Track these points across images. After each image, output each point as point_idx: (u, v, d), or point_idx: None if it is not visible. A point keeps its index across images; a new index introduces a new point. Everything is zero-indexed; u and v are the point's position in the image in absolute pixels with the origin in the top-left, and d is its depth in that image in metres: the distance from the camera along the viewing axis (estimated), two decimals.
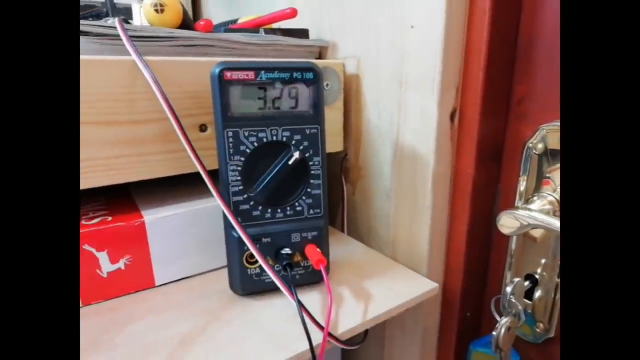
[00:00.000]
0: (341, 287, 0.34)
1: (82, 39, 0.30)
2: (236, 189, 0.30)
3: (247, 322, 0.30)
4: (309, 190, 0.32)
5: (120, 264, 0.32)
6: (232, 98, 0.29)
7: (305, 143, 0.31)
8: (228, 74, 0.28)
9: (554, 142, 0.32)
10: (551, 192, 0.33)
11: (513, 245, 0.36)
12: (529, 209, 0.30)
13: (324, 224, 0.33)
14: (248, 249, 0.30)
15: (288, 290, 0.29)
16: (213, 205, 0.35)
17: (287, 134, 0.31)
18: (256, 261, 0.31)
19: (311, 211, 0.32)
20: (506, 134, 0.36)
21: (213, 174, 0.30)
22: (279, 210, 0.32)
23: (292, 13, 0.41)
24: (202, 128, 0.33)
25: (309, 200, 0.32)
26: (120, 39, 0.30)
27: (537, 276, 0.35)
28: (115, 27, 0.30)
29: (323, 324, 0.27)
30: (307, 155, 0.31)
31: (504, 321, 0.33)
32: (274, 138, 0.30)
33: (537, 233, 0.34)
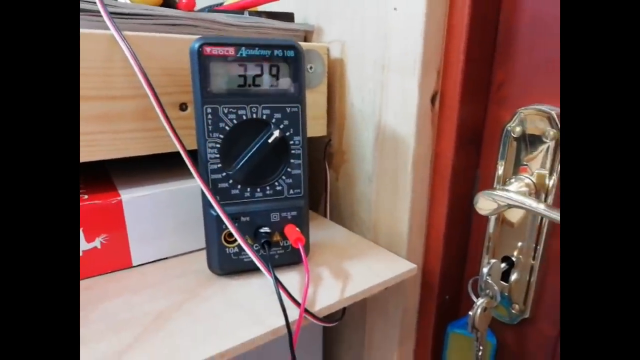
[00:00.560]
0: (321, 268, 0.34)
1: None
2: (215, 166, 0.30)
3: (224, 299, 0.29)
4: (289, 170, 0.32)
5: (96, 243, 0.32)
6: (212, 74, 0.29)
7: (286, 122, 0.31)
8: (208, 49, 0.28)
9: (532, 127, 0.32)
10: (529, 176, 0.33)
11: (491, 229, 0.36)
12: (506, 190, 0.31)
13: (304, 204, 0.33)
14: (227, 228, 0.30)
15: (265, 267, 0.29)
16: (192, 185, 0.34)
17: (267, 112, 0.30)
18: (235, 240, 0.31)
19: (291, 191, 0.32)
20: (486, 119, 0.36)
21: (193, 155, 0.29)
22: (258, 190, 0.31)
23: None
24: (183, 107, 0.33)
25: (289, 180, 0.32)
26: (100, 15, 0.29)
27: (513, 259, 0.35)
28: (95, 2, 0.30)
29: (300, 300, 0.27)
30: (287, 134, 0.31)
31: (480, 302, 0.34)
32: (254, 116, 0.30)
33: (514, 217, 0.35)
